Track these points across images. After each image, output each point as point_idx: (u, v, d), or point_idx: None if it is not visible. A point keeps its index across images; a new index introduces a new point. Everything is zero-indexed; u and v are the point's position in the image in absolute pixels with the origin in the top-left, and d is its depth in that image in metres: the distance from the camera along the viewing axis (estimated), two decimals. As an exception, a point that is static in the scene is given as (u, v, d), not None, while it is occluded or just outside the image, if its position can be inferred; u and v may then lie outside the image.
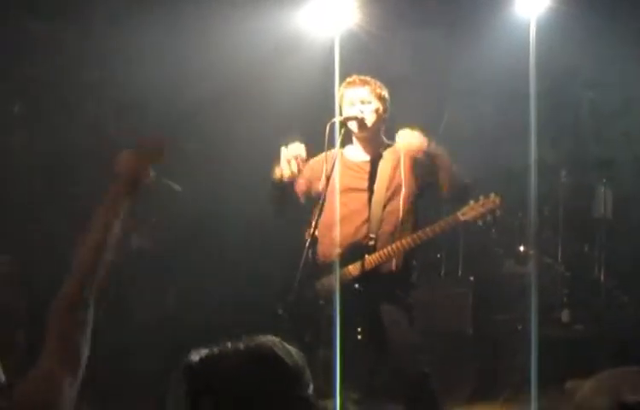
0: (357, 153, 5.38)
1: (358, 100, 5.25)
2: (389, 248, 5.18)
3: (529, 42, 6.43)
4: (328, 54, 5.68)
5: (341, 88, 5.31)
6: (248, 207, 6.81)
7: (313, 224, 5.06)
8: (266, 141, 6.09)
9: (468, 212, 5.27)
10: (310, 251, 5.02)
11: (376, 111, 5.28)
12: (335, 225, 5.19)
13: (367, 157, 5.35)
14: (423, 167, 5.25)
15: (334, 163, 5.19)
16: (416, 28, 7.07)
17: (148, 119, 7.00)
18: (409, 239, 5.19)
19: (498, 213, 5.34)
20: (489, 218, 5.32)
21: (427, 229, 5.23)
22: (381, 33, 6.48)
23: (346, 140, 5.37)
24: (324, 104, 5.38)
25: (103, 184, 2.66)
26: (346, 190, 5.28)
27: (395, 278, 5.22)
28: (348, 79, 5.32)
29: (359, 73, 5.37)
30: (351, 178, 5.32)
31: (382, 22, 6.54)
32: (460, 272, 7.78)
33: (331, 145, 5.16)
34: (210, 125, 6.99)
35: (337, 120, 5.19)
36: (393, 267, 5.22)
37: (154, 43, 6.91)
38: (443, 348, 6.71)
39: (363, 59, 6.08)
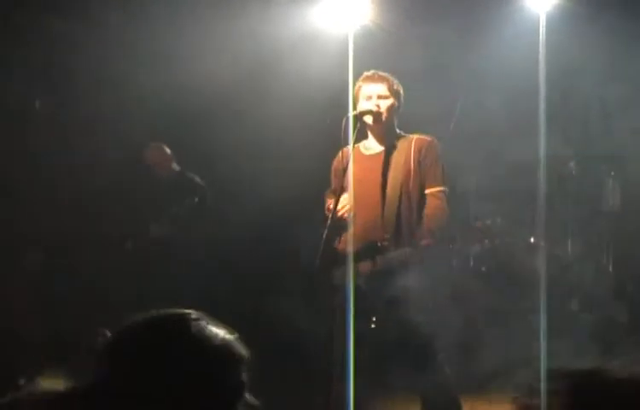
0: (371, 144, 5.51)
1: (376, 94, 5.38)
2: (402, 251, 5.27)
3: (539, 37, 6.52)
4: (342, 50, 5.80)
5: (359, 82, 5.44)
6: (264, 201, 6.90)
7: (330, 216, 5.19)
8: (281, 135, 6.25)
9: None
10: (326, 242, 5.14)
11: (392, 106, 5.41)
12: (351, 219, 5.31)
13: (381, 148, 5.47)
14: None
15: (349, 157, 5.33)
16: (427, 24, 7.14)
17: (165, 117, 7.10)
18: (423, 242, 5.27)
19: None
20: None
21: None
22: (393, 29, 6.57)
23: (362, 135, 5.49)
24: (339, 99, 5.49)
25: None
26: (361, 182, 5.39)
27: (406, 272, 5.29)
28: (367, 74, 5.45)
29: (372, 68, 5.50)
30: (365, 170, 5.43)
31: (394, 18, 6.63)
32: (472, 264, 7.87)
33: (346, 140, 5.29)
34: (228, 121, 7.08)
35: (351, 114, 5.32)
36: (405, 264, 5.30)
37: (169, 40, 7.00)
38: (457, 338, 6.78)
39: (375, 55, 6.17)
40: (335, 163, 5.52)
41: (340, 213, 5.26)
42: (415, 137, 5.45)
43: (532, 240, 7.87)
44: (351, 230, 5.28)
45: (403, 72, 5.72)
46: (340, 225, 5.29)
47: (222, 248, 7.25)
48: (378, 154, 5.46)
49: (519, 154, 7.44)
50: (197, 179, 7.53)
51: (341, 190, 5.27)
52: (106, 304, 6.41)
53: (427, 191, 5.36)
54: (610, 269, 7.86)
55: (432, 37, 7.18)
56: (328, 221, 5.18)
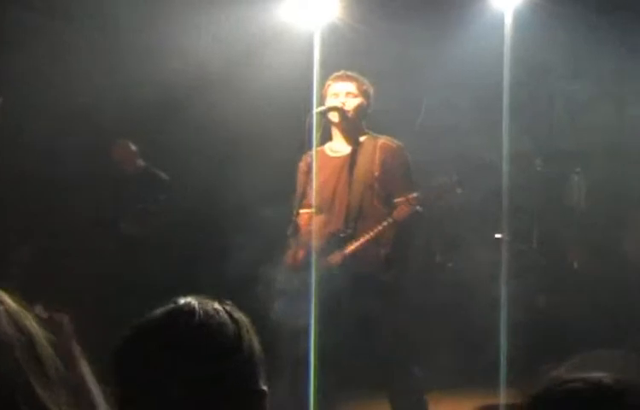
0: (337, 146, 5.50)
1: (343, 93, 5.40)
2: (363, 238, 5.28)
3: (505, 34, 6.56)
4: (311, 47, 5.81)
5: (328, 81, 5.45)
6: (233, 196, 6.89)
7: (294, 213, 5.21)
8: (251, 134, 6.24)
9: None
10: (291, 240, 5.16)
11: (359, 105, 5.42)
12: (314, 217, 5.33)
13: (347, 150, 5.46)
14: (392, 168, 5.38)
15: (314, 156, 5.35)
16: (394, 21, 7.16)
17: (132, 111, 7.06)
18: (378, 228, 5.29)
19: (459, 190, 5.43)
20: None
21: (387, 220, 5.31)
22: (360, 26, 6.59)
23: (328, 136, 5.49)
24: (306, 97, 5.50)
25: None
26: (326, 184, 5.39)
27: (373, 267, 5.30)
28: (336, 74, 5.46)
29: (340, 66, 5.51)
30: (331, 173, 5.43)
31: (362, 15, 6.64)
32: (438, 259, 7.92)
33: (311, 137, 5.30)
34: (194, 117, 7.06)
35: (315, 111, 5.33)
36: (371, 256, 5.31)
37: (138, 36, 6.97)
38: (425, 335, 6.82)
39: (343, 52, 6.18)
40: (301, 166, 5.52)
41: (302, 219, 5.31)
42: (381, 140, 5.44)
43: (497, 236, 7.92)
44: (314, 232, 5.30)
45: (370, 69, 5.74)
46: (303, 230, 5.33)
47: (188, 245, 7.24)
48: (344, 156, 5.46)
49: (485, 150, 7.48)
50: (163, 176, 7.51)
51: (304, 194, 5.30)
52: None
53: (396, 200, 5.37)
54: (575, 265, 7.93)
55: (399, 34, 7.19)
56: (291, 226, 5.21)
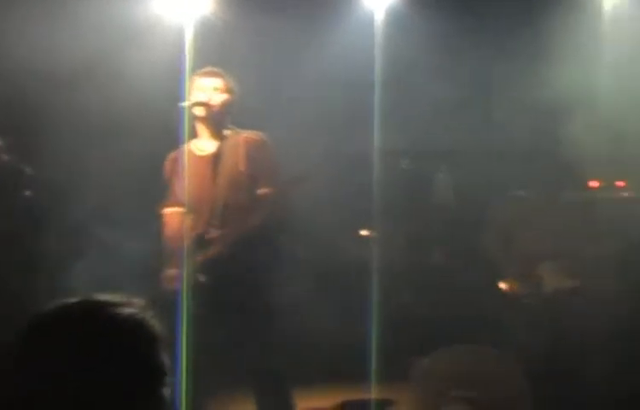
0: (203, 144, 5.46)
1: (210, 88, 5.36)
2: (227, 238, 5.26)
3: (375, 33, 6.64)
4: (180, 41, 5.74)
5: (194, 76, 5.41)
6: (102, 196, 6.75)
7: (160, 212, 5.17)
8: (115, 127, 6.12)
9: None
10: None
11: (225, 101, 5.40)
12: (183, 217, 5.29)
13: (213, 147, 5.42)
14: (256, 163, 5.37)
15: (181, 153, 5.31)
16: (266, 16, 7.14)
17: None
18: (239, 227, 5.28)
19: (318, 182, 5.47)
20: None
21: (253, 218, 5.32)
22: (232, 21, 6.55)
23: (193, 134, 5.45)
24: (176, 92, 5.44)
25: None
26: (193, 183, 5.35)
27: (238, 266, 5.28)
28: (203, 70, 5.42)
29: (210, 60, 5.48)
30: (197, 171, 5.38)
31: (234, 9, 6.60)
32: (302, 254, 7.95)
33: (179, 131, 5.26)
34: (61, 111, 6.88)
35: (184, 105, 5.29)
36: (235, 256, 5.29)
37: (8, 28, 6.74)
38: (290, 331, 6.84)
39: (214, 46, 6.13)
40: (166, 164, 5.47)
41: (168, 218, 5.28)
42: (245, 135, 5.43)
43: (362, 232, 8.03)
44: (183, 232, 5.26)
45: (241, 63, 5.71)
46: (168, 229, 5.30)
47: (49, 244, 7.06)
48: (210, 154, 5.42)
49: (354, 147, 7.55)
50: (28, 171, 7.29)
51: (171, 192, 5.27)
52: None
53: (259, 192, 5.35)
54: (440, 261, 8.10)
55: (270, 29, 7.17)
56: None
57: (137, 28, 6.19)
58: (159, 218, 5.36)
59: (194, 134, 5.47)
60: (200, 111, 5.34)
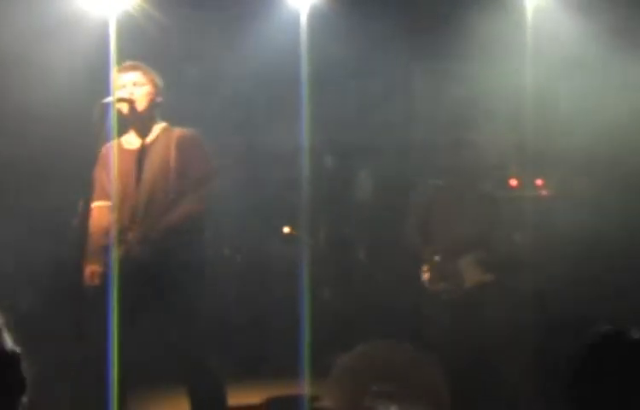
0: (132, 138, 5.43)
1: (130, 83, 5.31)
2: (152, 233, 5.24)
3: (300, 31, 6.69)
4: (104, 34, 5.71)
5: (115, 72, 5.36)
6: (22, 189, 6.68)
7: (82, 209, 5.12)
8: (38, 121, 6.04)
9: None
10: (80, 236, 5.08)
11: (148, 94, 5.35)
12: (109, 212, 5.27)
13: (139, 142, 5.39)
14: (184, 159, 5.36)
15: (111, 148, 5.28)
16: (190, 11, 7.13)
17: None
18: (167, 221, 5.28)
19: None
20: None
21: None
22: (156, 15, 6.53)
23: (123, 128, 5.41)
24: (101, 88, 5.40)
25: None
26: (120, 177, 5.31)
27: (163, 261, 5.27)
28: (122, 65, 5.38)
29: (135, 55, 5.44)
30: (124, 164, 5.35)
31: (158, 3, 6.59)
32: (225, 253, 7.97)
33: (101, 127, 5.19)
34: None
35: (108, 100, 5.22)
36: (160, 251, 5.27)
37: None
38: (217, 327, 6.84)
39: (138, 40, 6.10)
40: (98, 161, 5.41)
41: (95, 213, 5.25)
42: (177, 132, 5.41)
43: (285, 230, 8.07)
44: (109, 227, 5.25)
45: (164, 58, 5.70)
46: (94, 224, 5.27)
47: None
48: (137, 148, 5.39)
49: (277, 145, 7.59)
50: None
51: (99, 186, 5.25)
52: None
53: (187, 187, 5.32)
54: (362, 258, 8.18)
55: (194, 24, 7.17)
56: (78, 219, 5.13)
57: (60, 22, 6.13)
58: (83, 212, 5.29)
59: (125, 129, 5.43)
60: (124, 108, 5.30)
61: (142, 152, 5.33)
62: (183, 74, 7.14)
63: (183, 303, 5.22)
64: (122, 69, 5.35)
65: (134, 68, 5.35)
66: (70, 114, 6.05)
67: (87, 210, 5.19)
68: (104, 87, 5.34)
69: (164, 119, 5.43)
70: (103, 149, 5.33)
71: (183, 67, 7.19)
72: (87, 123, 5.15)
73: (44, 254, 6.44)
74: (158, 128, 5.40)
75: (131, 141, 5.41)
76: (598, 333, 2.42)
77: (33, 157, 6.71)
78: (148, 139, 5.37)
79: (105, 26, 5.79)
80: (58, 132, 6.50)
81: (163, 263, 5.17)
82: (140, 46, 5.79)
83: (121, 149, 5.37)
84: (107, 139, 5.26)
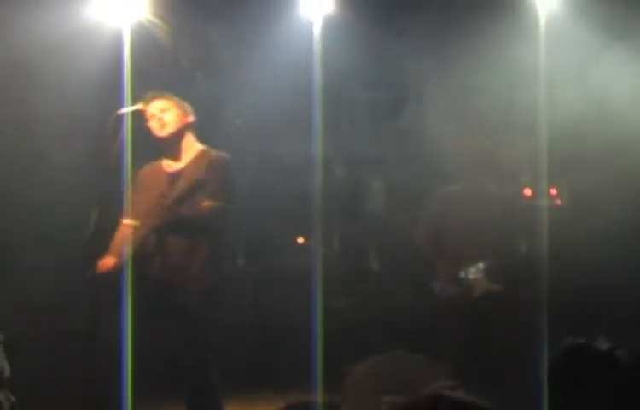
0: (170, 160, 5.52)
1: (158, 110, 5.42)
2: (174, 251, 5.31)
3: (313, 42, 6.70)
4: (118, 46, 5.75)
5: (142, 105, 5.41)
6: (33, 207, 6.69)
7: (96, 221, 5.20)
8: (51, 132, 6.06)
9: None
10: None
11: (178, 116, 5.45)
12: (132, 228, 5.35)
13: (178, 164, 5.49)
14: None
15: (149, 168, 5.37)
16: (203, 23, 7.16)
17: None
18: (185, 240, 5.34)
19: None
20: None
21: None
22: (169, 26, 6.56)
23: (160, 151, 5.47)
24: (116, 98, 5.46)
25: None
26: (153, 197, 5.39)
27: (169, 268, 5.33)
28: (147, 96, 5.44)
29: (146, 66, 5.52)
30: (160, 186, 5.43)
31: (170, 15, 6.61)
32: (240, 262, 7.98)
33: (115, 137, 5.25)
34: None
35: (122, 112, 5.30)
36: (168, 258, 5.34)
37: None
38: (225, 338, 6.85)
39: (151, 51, 6.14)
40: (138, 180, 5.50)
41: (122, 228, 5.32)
42: (212, 153, 5.49)
43: (299, 240, 8.07)
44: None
45: (177, 70, 5.72)
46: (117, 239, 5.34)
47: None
48: (172, 171, 5.49)
49: (290, 155, 7.60)
50: None
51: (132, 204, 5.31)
52: None
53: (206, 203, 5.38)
54: (374, 269, 8.16)
55: (207, 36, 7.20)
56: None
57: (76, 33, 6.16)
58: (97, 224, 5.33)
59: (163, 152, 5.52)
60: (155, 126, 5.41)
61: (176, 173, 5.42)
62: (196, 86, 7.16)
63: (197, 315, 5.28)
64: (147, 101, 5.42)
65: (158, 97, 5.43)
66: (84, 124, 6.09)
67: (102, 222, 5.24)
68: (117, 99, 5.39)
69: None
70: (143, 170, 5.41)
71: (196, 78, 7.21)
72: (101, 134, 5.20)
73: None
74: (194, 150, 5.48)
75: (170, 162, 5.49)
76: (568, 345, 2.48)
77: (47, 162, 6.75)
78: (183, 162, 5.46)
79: (119, 37, 5.81)
80: (71, 142, 6.53)
81: (184, 277, 5.25)
82: (153, 58, 5.83)
83: (159, 170, 5.46)
84: (120, 151, 5.32)
